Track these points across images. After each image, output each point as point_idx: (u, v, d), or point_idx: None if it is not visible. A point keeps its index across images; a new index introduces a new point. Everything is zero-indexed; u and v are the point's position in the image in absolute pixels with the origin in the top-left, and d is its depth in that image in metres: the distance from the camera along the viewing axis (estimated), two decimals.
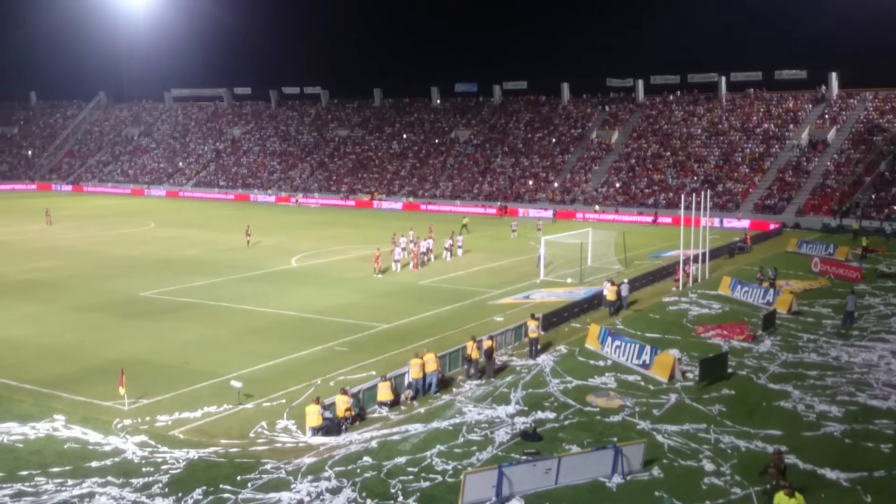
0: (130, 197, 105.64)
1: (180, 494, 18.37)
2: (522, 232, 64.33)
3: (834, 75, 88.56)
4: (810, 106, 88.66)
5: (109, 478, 19.17)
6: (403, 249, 49.89)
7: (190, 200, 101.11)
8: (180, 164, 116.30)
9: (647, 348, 28.08)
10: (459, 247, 53.66)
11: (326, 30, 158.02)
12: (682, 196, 48.43)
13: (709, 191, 63.26)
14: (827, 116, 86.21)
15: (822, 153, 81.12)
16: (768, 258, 51.55)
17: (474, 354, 26.91)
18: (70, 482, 18.99)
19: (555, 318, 34.02)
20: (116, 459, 20.23)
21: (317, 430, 21.82)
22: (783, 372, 27.67)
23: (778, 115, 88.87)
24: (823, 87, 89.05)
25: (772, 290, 38.68)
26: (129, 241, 59.70)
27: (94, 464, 19.94)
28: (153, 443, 21.24)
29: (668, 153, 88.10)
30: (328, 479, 19.16)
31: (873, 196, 72.34)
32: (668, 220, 71.02)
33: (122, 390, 23.80)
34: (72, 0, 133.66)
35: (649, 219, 75.42)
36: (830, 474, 19.47)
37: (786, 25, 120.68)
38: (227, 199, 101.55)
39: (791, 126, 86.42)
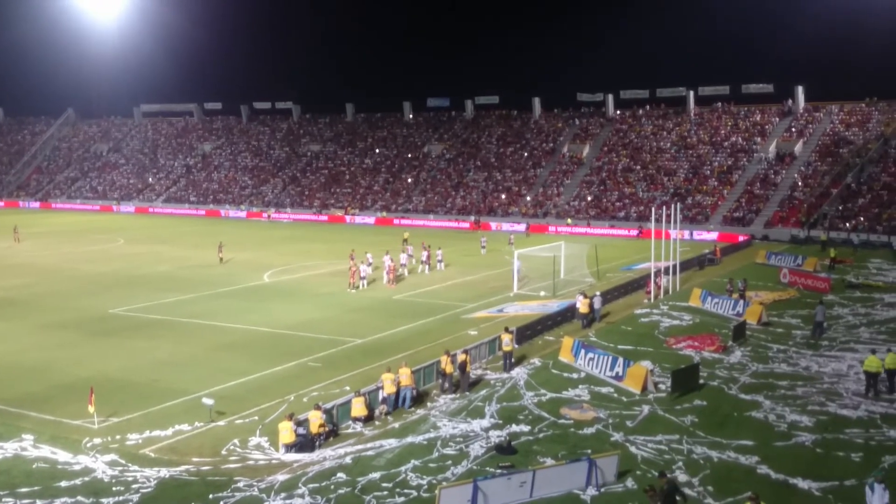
0: (99, 213, 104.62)
1: None
2: (494, 246, 64.42)
3: (800, 89, 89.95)
4: (777, 119, 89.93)
5: (79, 497, 18.91)
6: (370, 265, 49.26)
7: (160, 216, 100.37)
8: (150, 179, 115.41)
9: (620, 360, 28.24)
10: (439, 260, 53.75)
11: (298, 45, 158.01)
12: (653, 209, 48.80)
13: (678, 203, 63.85)
14: (794, 129, 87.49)
15: (790, 166, 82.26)
16: (738, 270, 52.06)
17: (448, 368, 26.90)
18: (39, 503, 18.70)
19: (528, 331, 34.10)
20: (86, 479, 19.96)
21: (290, 447, 21.67)
22: (754, 382, 27.93)
23: (746, 128, 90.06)
24: (790, 101, 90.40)
25: (741, 302, 39.07)
26: (98, 258, 59.06)
27: (63, 483, 19.67)
28: (124, 462, 20.98)
29: (639, 167, 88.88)
30: (302, 495, 19.04)
31: (840, 207, 73.41)
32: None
33: (91, 409, 23.52)
34: (39, 15, 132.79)
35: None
36: (802, 484, 19.66)
37: (752, 40, 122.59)
38: (198, 214, 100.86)
39: (758, 139, 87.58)
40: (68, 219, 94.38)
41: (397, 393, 25.24)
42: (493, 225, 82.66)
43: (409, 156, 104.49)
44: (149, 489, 19.39)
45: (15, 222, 74.56)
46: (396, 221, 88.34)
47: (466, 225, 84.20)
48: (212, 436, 22.96)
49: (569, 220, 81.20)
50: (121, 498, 18.90)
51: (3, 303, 41.99)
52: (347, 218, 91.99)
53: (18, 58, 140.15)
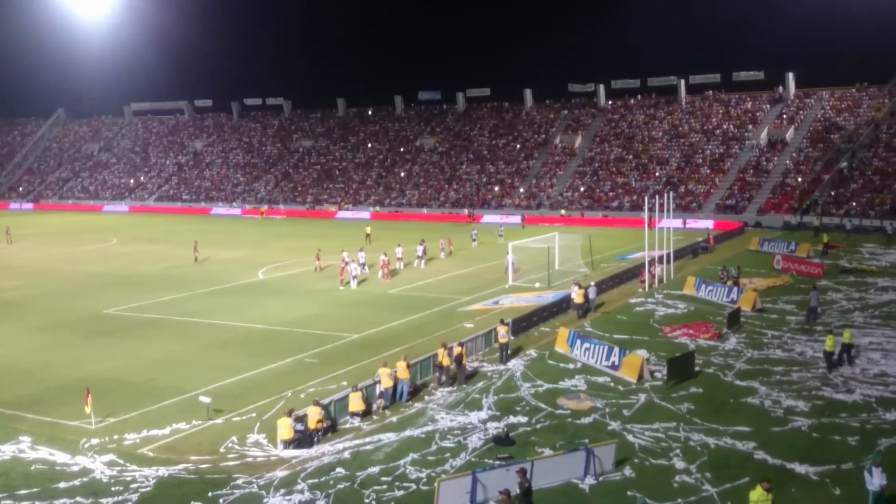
0: (92, 213, 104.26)
1: None
2: (486, 239, 64.41)
3: (791, 75, 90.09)
4: (768, 106, 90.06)
5: (78, 498, 18.90)
6: (363, 264, 48.94)
7: (153, 215, 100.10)
8: (142, 178, 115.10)
9: (616, 350, 28.30)
10: (442, 249, 54.93)
11: (288, 40, 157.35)
12: (646, 198, 48.86)
13: (671, 192, 63.92)
14: (785, 116, 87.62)
15: (782, 152, 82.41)
16: (731, 257, 52.19)
17: (445, 361, 26.94)
18: None
19: (524, 323, 34.16)
20: (85, 479, 19.95)
21: (289, 443, 21.68)
22: (749, 369, 28.04)
23: (737, 115, 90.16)
24: (781, 88, 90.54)
25: (736, 289, 39.16)
26: (91, 258, 58.92)
27: (62, 485, 19.65)
28: (122, 461, 20.97)
29: (631, 156, 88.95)
30: (301, 491, 19.06)
31: (832, 193, 73.59)
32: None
33: (88, 409, 23.49)
34: (28, 16, 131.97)
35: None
36: (799, 468, 19.75)
37: (742, 28, 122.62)
38: (191, 212, 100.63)
39: (750, 126, 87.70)
40: (60, 219, 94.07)
41: (394, 387, 25.26)
42: (493, 217, 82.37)
43: (402, 150, 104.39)
44: (148, 488, 19.40)
45: (7, 224, 74.35)
46: (392, 215, 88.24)
47: (462, 218, 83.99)
48: (210, 434, 22.95)
49: (562, 211, 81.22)
50: (120, 498, 18.89)
51: None
52: (339, 213, 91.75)
53: (7, 59, 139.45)
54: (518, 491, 17.32)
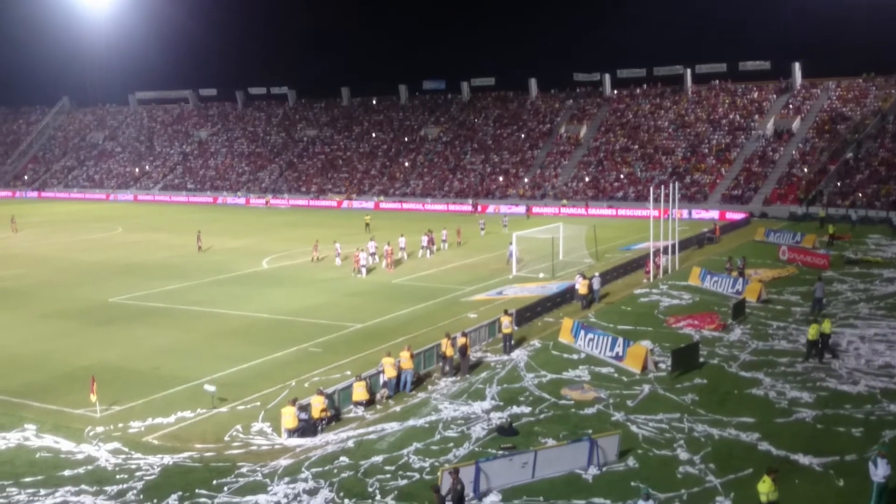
0: (97, 202, 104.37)
1: (155, 501, 18.22)
2: (490, 228, 64.42)
3: (797, 65, 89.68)
4: (775, 96, 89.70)
5: (83, 486, 18.96)
6: (373, 254, 48.92)
7: (157, 204, 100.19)
8: (147, 167, 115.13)
9: (620, 340, 28.27)
10: (444, 240, 55.30)
11: (292, 29, 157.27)
12: (651, 188, 48.75)
13: (677, 182, 63.63)
14: (791, 106, 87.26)
15: (788, 143, 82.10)
16: (737, 248, 52.06)
17: (449, 351, 26.93)
18: (43, 492, 18.76)
19: (528, 313, 34.12)
20: (90, 467, 20.01)
21: (293, 432, 21.72)
22: (754, 360, 27.99)
23: (743, 105, 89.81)
24: (787, 78, 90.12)
25: (741, 280, 39.08)
26: (96, 247, 59.00)
27: (66, 472, 19.71)
28: (127, 449, 21.03)
29: (636, 146, 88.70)
30: (305, 480, 19.10)
31: (838, 184, 73.33)
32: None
33: (93, 397, 23.55)
34: (32, 4, 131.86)
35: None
36: (803, 459, 19.72)
37: (749, 17, 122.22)
38: (196, 201, 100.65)
39: (756, 116, 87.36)
40: (65, 208, 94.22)
41: (398, 376, 25.28)
42: (491, 207, 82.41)
43: (406, 139, 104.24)
44: (152, 476, 19.45)
45: (12, 212, 74.46)
46: (397, 205, 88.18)
47: (467, 208, 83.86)
48: (214, 422, 23.01)
49: (564, 202, 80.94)
50: (124, 486, 18.95)
51: (3, 293, 41.95)
52: (345, 203, 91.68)
53: (12, 47, 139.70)
54: (449, 495, 16.91)
